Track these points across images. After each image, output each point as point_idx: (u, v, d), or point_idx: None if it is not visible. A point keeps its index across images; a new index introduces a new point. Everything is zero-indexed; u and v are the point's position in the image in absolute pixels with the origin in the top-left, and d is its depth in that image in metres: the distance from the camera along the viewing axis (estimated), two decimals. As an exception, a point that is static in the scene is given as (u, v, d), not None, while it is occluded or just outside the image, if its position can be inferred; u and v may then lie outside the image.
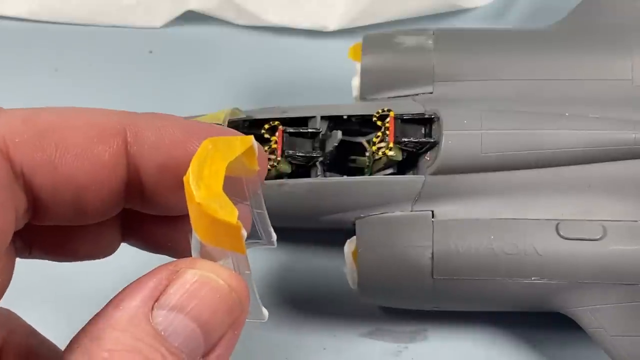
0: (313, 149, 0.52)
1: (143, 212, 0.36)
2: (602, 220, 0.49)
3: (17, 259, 0.35)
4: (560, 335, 0.54)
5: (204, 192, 0.31)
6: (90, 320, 0.31)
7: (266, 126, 0.52)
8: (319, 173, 0.52)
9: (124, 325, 0.30)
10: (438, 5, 0.64)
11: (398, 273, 0.50)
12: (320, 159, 0.52)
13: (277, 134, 0.52)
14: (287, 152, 0.51)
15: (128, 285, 0.31)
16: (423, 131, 0.52)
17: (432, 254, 0.49)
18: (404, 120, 0.52)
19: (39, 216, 0.34)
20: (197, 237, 0.32)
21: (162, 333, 0.30)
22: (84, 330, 0.31)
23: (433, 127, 0.52)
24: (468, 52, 0.54)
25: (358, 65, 0.56)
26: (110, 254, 0.38)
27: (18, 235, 0.34)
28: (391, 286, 0.51)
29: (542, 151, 0.50)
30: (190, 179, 0.31)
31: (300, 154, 0.51)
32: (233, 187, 0.33)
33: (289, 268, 0.58)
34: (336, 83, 0.59)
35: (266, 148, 0.52)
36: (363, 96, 0.55)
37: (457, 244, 0.49)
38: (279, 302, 0.57)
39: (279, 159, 0.51)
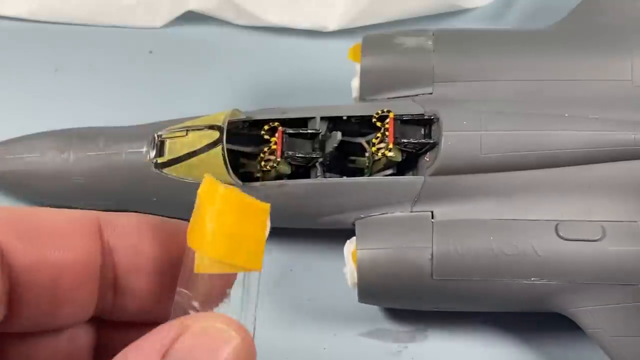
0: (313, 150, 0.52)
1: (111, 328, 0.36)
2: (602, 220, 0.49)
3: None
4: (560, 335, 0.54)
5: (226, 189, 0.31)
6: None
7: (266, 127, 0.53)
8: (318, 174, 0.52)
9: None
10: (438, 5, 0.64)
11: (398, 274, 0.50)
12: (320, 159, 0.52)
13: (276, 134, 0.52)
14: (287, 153, 0.51)
15: (133, 343, 0.30)
16: (423, 132, 0.52)
17: (432, 254, 0.49)
18: (403, 121, 0.52)
19: (15, 308, 0.32)
20: (198, 276, 0.31)
21: None
22: None
23: (433, 127, 0.52)
24: (467, 53, 0.54)
25: (358, 66, 0.56)
26: None
27: None
28: (391, 287, 0.51)
29: (542, 152, 0.50)
30: (206, 179, 0.31)
31: (300, 155, 0.51)
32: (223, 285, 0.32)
33: (289, 268, 0.58)
34: (336, 83, 0.59)
35: (266, 149, 0.52)
36: (363, 97, 0.55)
37: (457, 244, 0.49)
38: (279, 302, 0.57)
39: (278, 159, 0.51)
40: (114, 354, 0.30)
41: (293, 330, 0.56)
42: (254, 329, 0.32)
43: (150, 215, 0.35)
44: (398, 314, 0.56)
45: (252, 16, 0.65)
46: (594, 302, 0.49)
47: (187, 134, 0.51)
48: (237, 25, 0.66)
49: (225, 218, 0.30)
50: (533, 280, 0.49)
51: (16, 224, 0.31)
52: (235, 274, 0.31)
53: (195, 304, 0.31)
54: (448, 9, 0.65)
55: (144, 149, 0.53)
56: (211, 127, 0.51)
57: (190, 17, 0.66)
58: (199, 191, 0.31)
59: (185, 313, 0.32)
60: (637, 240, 0.48)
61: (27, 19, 0.66)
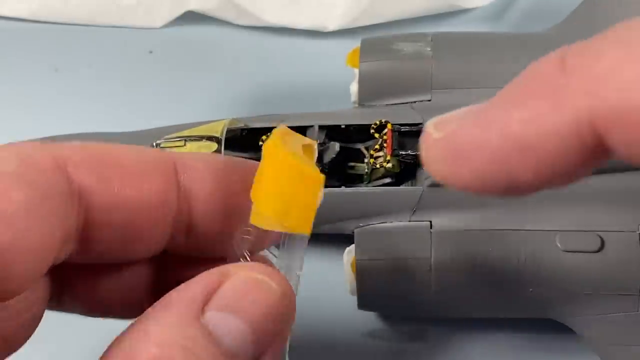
0: None
1: (177, 262, 0.36)
2: (601, 231, 0.49)
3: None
4: (560, 337, 0.54)
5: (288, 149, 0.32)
6: (136, 319, 0.31)
7: (264, 137, 0.52)
8: None
9: (173, 323, 0.29)
10: (438, 5, 0.64)
11: (397, 283, 0.50)
12: (319, 169, 0.52)
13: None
14: None
15: (175, 289, 0.31)
16: None
17: (431, 264, 0.49)
18: (401, 133, 0.51)
19: (86, 245, 0.33)
20: (254, 228, 0.32)
21: (214, 333, 0.29)
22: (130, 327, 0.30)
23: None
24: (466, 59, 0.54)
25: (356, 71, 0.55)
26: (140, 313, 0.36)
27: (52, 278, 0.34)
28: (390, 296, 0.51)
29: None
30: (273, 138, 0.32)
31: None
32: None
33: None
34: (336, 83, 0.59)
35: None
36: (362, 102, 0.55)
37: (455, 254, 0.49)
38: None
39: None
40: (170, 289, 0.32)
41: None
42: (297, 288, 0.34)
43: (224, 156, 0.38)
44: (398, 315, 0.56)
45: (252, 16, 0.65)
46: (592, 311, 0.49)
47: (185, 144, 0.51)
48: (237, 25, 0.66)
49: (281, 179, 0.32)
50: (532, 291, 0.49)
51: (95, 163, 0.32)
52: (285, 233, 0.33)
53: (247, 253, 0.33)
54: (448, 9, 0.65)
55: (143, 158, 0.53)
56: (209, 138, 0.51)
57: (190, 17, 0.66)
58: (264, 145, 0.33)
59: (237, 259, 0.34)
60: (636, 250, 0.48)
61: (27, 19, 0.66)
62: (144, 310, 0.32)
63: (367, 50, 0.56)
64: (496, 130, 0.26)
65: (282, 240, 0.34)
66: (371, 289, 0.51)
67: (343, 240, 0.53)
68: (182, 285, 0.31)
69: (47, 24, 0.66)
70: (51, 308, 0.36)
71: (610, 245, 0.48)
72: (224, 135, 0.51)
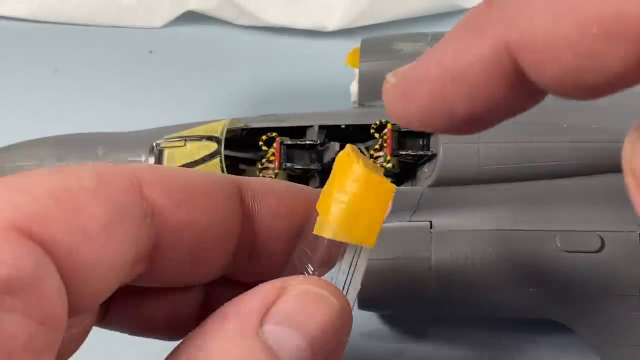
0: (311, 161, 0.52)
1: (229, 286, 0.36)
2: (601, 231, 0.49)
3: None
4: (560, 337, 0.54)
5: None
6: (195, 330, 0.30)
7: (264, 137, 0.52)
8: (317, 184, 0.52)
9: (231, 338, 0.29)
10: (438, 5, 0.64)
11: (397, 283, 0.50)
12: (319, 169, 0.52)
13: (274, 145, 0.52)
14: (285, 165, 0.51)
15: (232, 300, 0.30)
16: (421, 143, 0.52)
17: (431, 264, 0.49)
18: (401, 133, 0.51)
19: (154, 267, 0.32)
20: (318, 240, 0.32)
21: (272, 348, 0.29)
22: (189, 339, 0.30)
23: (431, 138, 0.52)
24: None
25: (356, 71, 0.55)
26: (185, 334, 0.35)
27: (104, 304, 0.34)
28: (390, 296, 0.51)
29: (540, 164, 0.49)
30: (346, 150, 0.32)
31: (298, 167, 0.51)
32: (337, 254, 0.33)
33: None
34: (336, 83, 0.59)
35: (264, 160, 0.52)
36: (362, 102, 0.55)
37: (456, 254, 0.49)
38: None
39: (277, 170, 0.51)
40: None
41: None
42: (355, 302, 0.33)
43: (285, 182, 0.36)
44: (398, 315, 0.56)
45: (252, 16, 0.65)
46: (592, 312, 0.49)
47: (185, 144, 0.51)
48: (237, 25, 0.66)
49: (351, 191, 0.31)
50: (532, 291, 0.49)
51: (167, 184, 0.32)
52: (348, 245, 0.33)
53: (309, 267, 0.32)
54: (448, 9, 0.65)
55: (143, 158, 0.53)
56: (209, 138, 0.51)
57: (190, 17, 0.66)
58: (336, 158, 0.32)
59: (297, 273, 0.33)
60: (636, 250, 0.48)
61: (27, 19, 0.66)
62: (189, 331, 0.31)
63: (367, 50, 0.56)
64: (434, 64, 0.28)
65: (342, 253, 0.33)
66: (371, 289, 0.51)
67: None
68: (238, 297, 0.30)
69: (47, 24, 0.66)
70: (95, 324, 0.35)
71: (610, 245, 0.48)
72: (224, 135, 0.51)
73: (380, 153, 0.52)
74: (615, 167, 0.49)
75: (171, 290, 0.36)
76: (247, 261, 0.35)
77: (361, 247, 0.33)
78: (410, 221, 0.51)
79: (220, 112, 0.57)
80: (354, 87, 0.56)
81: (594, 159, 0.50)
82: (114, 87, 0.65)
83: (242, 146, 0.54)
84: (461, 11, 0.65)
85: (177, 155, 0.51)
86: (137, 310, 0.36)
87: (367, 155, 0.53)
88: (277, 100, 0.63)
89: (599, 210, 0.49)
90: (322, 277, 0.32)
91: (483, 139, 0.50)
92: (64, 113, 0.63)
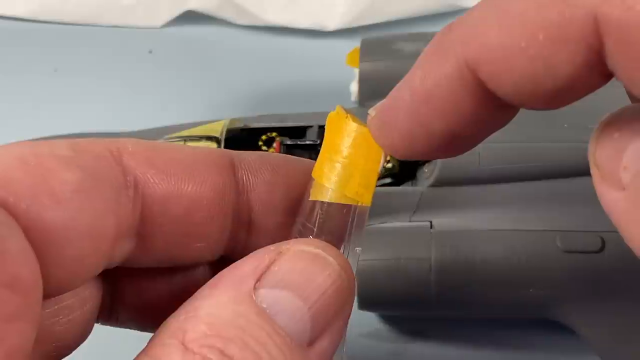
0: None
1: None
2: (601, 231, 0.49)
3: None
4: (561, 337, 0.54)
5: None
6: (186, 301, 0.29)
7: (264, 137, 0.52)
8: None
9: (224, 301, 0.28)
10: (438, 5, 0.64)
11: (397, 284, 0.50)
12: None
13: (274, 145, 0.52)
14: None
15: (230, 265, 0.29)
16: None
17: (431, 264, 0.49)
18: None
19: (144, 243, 0.32)
20: (315, 206, 0.31)
21: (267, 311, 0.27)
22: (180, 309, 0.28)
23: None
24: None
25: (356, 71, 0.55)
26: None
27: (105, 286, 0.33)
28: (390, 296, 0.51)
29: (540, 164, 0.49)
30: (337, 110, 0.32)
31: None
32: (337, 217, 0.32)
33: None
34: (336, 82, 0.59)
35: None
36: (362, 102, 0.55)
37: (456, 254, 0.49)
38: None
39: None
40: None
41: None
42: (357, 262, 0.32)
43: (277, 154, 0.35)
44: (398, 315, 0.56)
45: (252, 16, 0.65)
46: (593, 312, 0.49)
47: (185, 144, 0.51)
48: (237, 25, 0.66)
49: (344, 147, 0.31)
50: (532, 291, 0.49)
51: (151, 155, 0.31)
52: (350, 211, 0.32)
53: (310, 236, 0.31)
54: (448, 9, 0.65)
55: (143, 158, 0.53)
56: (209, 138, 0.51)
57: (190, 17, 0.66)
58: (327, 120, 0.32)
59: None
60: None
61: (27, 19, 0.66)
62: None
63: (367, 50, 0.55)
64: (406, 90, 0.28)
65: (348, 219, 0.32)
66: (372, 289, 0.51)
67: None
68: (235, 263, 0.29)
69: (47, 24, 0.66)
70: (104, 321, 0.34)
71: (610, 245, 0.48)
72: (224, 135, 0.51)
73: (380, 153, 0.52)
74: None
75: (175, 274, 0.35)
76: (246, 237, 0.34)
77: (358, 207, 0.32)
78: (410, 221, 0.51)
79: (220, 112, 0.57)
80: (354, 87, 0.56)
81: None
82: (114, 87, 0.65)
83: (242, 146, 0.54)
84: (461, 11, 0.65)
85: (177, 155, 0.51)
86: (141, 297, 0.35)
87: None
88: (277, 100, 0.63)
89: (599, 210, 0.49)
90: None
91: None
92: (64, 113, 0.63)
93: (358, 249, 0.32)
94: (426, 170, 0.51)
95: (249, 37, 0.66)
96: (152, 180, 0.31)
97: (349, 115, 0.31)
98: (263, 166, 0.34)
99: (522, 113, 0.52)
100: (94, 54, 0.66)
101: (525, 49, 0.24)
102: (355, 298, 0.51)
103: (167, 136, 0.53)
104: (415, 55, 0.54)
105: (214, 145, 0.51)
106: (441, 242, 0.49)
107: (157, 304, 0.35)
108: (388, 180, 0.52)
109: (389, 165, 0.51)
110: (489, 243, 0.49)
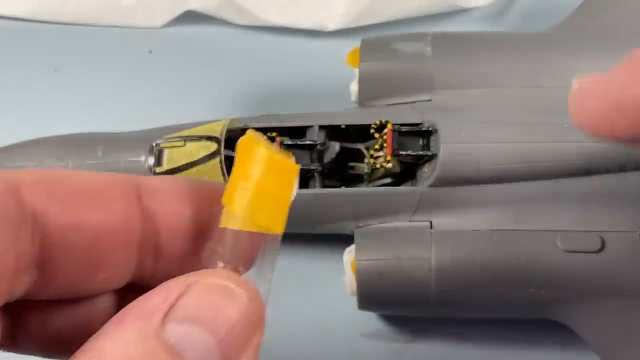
0: (311, 161, 0.52)
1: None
2: (601, 231, 0.49)
3: None
4: (561, 337, 0.54)
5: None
6: (91, 338, 0.28)
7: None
8: (317, 184, 0.52)
9: (131, 339, 0.27)
10: (438, 5, 0.64)
11: (397, 284, 0.50)
12: (319, 169, 0.52)
13: (274, 145, 0.52)
14: None
15: (138, 298, 0.29)
16: (421, 143, 0.52)
17: (431, 265, 0.49)
18: (402, 133, 0.51)
19: (46, 275, 0.31)
20: (225, 233, 0.31)
21: (176, 348, 0.27)
22: (85, 346, 0.28)
23: (431, 138, 0.52)
24: (466, 59, 0.54)
25: (356, 71, 0.55)
26: None
27: (6, 316, 0.32)
28: (390, 296, 0.51)
29: (540, 164, 0.49)
30: (247, 133, 0.31)
31: None
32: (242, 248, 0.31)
33: (289, 269, 0.58)
34: (336, 83, 0.59)
35: None
36: (362, 102, 0.55)
37: (456, 254, 0.50)
38: (279, 303, 0.57)
39: None
40: None
41: (293, 331, 0.56)
42: (269, 293, 0.31)
43: (188, 177, 0.35)
44: (398, 315, 0.56)
45: (252, 16, 0.65)
46: (593, 312, 0.49)
47: (185, 144, 0.51)
48: (237, 25, 0.66)
49: (254, 175, 0.30)
50: (532, 291, 0.49)
51: (51, 186, 0.30)
52: (261, 240, 0.31)
53: (219, 264, 0.31)
54: (448, 9, 0.65)
55: (142, 158, 0.53)
56: (209, 138, 0.51)
57: (190, 17, 0.66)
58: (237, 145, 0.31)
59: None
60: (637, 250, 0.48)
61: (27, 19, 0.66)
62: None
63: (367, 50, 0.55)
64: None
65: (257, 247, 0.31)
66: (371, 289, 0.51)
67: (343, 240, 0.53)
68: (141, 297, 0.28)
69: (47, 24, 0.66)
70: (5, 348, 0.33)
71: (610, 245, 0.48)
72: (224, 135, 0.51)
73: (380, 153, 0.52)
74: (615, 168, 0.50)
75: (80, 304, 0.33)
76: (153, 265, 0.33)
77: (269, 235, 0.31)
78: (410, 221, 0.51)
79: (220, 112, 0.57)
80: (354, 87, 0.55)
81: (593, 159, 0.50)
82: (114, 87, 0.64)
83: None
84: (461, 11, 0.65)
85: (177, 155, 0.51)
86: (46, 327, 0.33)
87: (368, 155, 0.53)
88: (277, 100, 0.63)
89: (599, 210, 0.49)
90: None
91: (483, 139, 0.50)
92: (64, 113, 0.63)
93: (270, 277, 0.32)
94: (426, 170, 0.51)
95: (249, 37, 0.66)
96: (52, 212, 0.30)
97: (260, 140, 0.31)
98: (170, 191, 0.33)
99: (522, 112, 0.52)
100: (94, 54, 0.66)
101: None
102: (356, 298, 0.51)
103: (167, 136, 0.53)
104: (415, 55, 0.54)
105: (214, 145, 0.51)
106: (441, 242, 0.50)
107: (63, 333, 0.34)
108: (388, 180, 0.52)
109: (389, 165, 0.51)
110: (488, 243, 0.49)
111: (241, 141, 0.31)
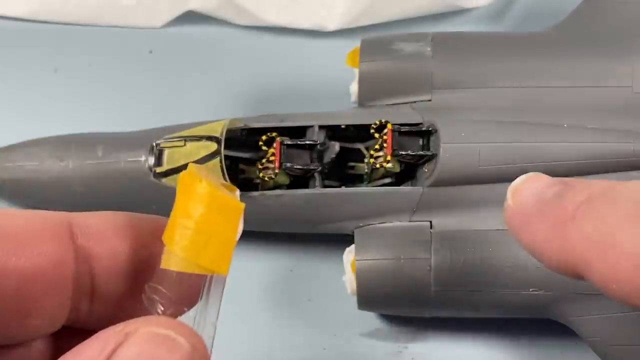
0: (311, 161, 0.52)
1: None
2: None
3: None
4: (561, 337, 0.54)
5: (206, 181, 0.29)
6: None
7: (264, 137, 0.52)
8: (317, 184, 0.52)
9: None
10: (438, 5, 0.64)
11: (397, 284, 0.50)
12: (319, 169, 0.52)
13: (274, 145, 0.52)
14: (285, 165, 0.51)
15: (67, 353, 0.27)
16: (421, 143, 0.52)
17: (431, 265, 0.50)
18: (401, 133, 0.51)
19: None
20: (166, 274, 0.30)
21: None
22: None
23: (431, 138, 0.52)
24: (466, 59, 0.54)
25: (356, 71, 0.55)
26: None
27: None
28: (390, 296, 0.51)
29: (540, 164, 0.49)
30: (189, 169, 0.30)
31: (298, 167, 0.51)
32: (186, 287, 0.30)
33: (289, 269, 0.58)
34: (336, 83, 0.59)
35: (264, 160, 0.52)
36: (362, 102, 0.55)
37: (455, 254, 0.50)
38: (278, 302, 0.57)
39: (277, 170, 0.51)
40: None
41: (293, 331, 0.56)
42: (213, 338, 0.30)
43: (127, 213, 0.33)
44: (398, 315, 0.56)
45: (252, 16, 0.65)
46: (592, 311, 0.49)
47: (185, 144, 0.51)
48: (237, 25, 0.66)
49: (196, 214, 0.29)
50: (532, 291, 0.49)
51: None
52: (204, 280, 0.30)
53: (160, 307, 0.30)
54: (448, 9, 0.64)
55: (142, 158, 0.53)
56: (209, 138, 0.51)
57: (190, 17, 0.65)
58: (178, 180, 0.30)
59: (149, 314, 0.30)
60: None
61: (26, 19, 0.66)
62: None
63: (367, 50, 0.55)
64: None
65: (200, 288, 0.30)
66: (371, 289, 0.51)
67: (343, 240, 0.53)
68: (76, 347, 0.27)
69: (47, 24, 0.66)
70: None
71: None
72: (224, 135, 0.51)
73: (380, 153, 0.52)
74: (614, 168, 0.50)
75: (12, 350, 0.32)
76: (90, 306, 0.32)
77: (213, 277, 0.30)
78: (410, 221, 0.51)
79: (220, 112, 0.57)
80: (354, 87, 0.55)
81: (594, 159, 0.50)
82: (114, 87, 0.64)
83: (242, 146, 0.54)
84: (461, 11, 0.65)
85: (177, 155, 0.51)
86: None
87: (368, 155, 0.53)
88: (277, 100, 0.63)
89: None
90: (181, 317, 0.30)
91: (483, 139, 0.50)
92: (64, 113, 0.63)
93: (215, 322, 0.30)
94: (426, 170, 0.51)
95: (249, 37, 0.66)
96: None
97: (202, 178, 0.29)
98: (106, 229, 0.32)
99: (522, 112, 0.52)
100: (94, 54, 0.66)
101: None
102: (355, 298, 0.51)
103: (167, 136, 0.53)
104: (415, 55, 0.54)
105: (214, 145, 0.51)
106: (441, 242, 0.50)
107: None
108: (388, 180, 0.52)
109: (389, 165, 0.51)
110: (489, 243, 0.49)
111: (182, 176, 0.30)
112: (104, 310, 0.32)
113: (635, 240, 0.32)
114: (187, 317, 0.30)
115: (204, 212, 0.29)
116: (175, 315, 0.30)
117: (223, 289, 0.31)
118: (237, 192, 0.32)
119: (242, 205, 0.30)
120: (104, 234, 0.31)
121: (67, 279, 0.30)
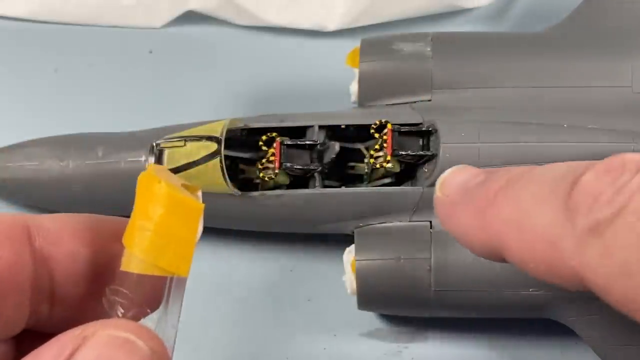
0: (311, 161, 0.52)
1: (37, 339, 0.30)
2: None
3: None
4: (561, 337, 0.54)
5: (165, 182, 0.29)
6: None
7: (264, 137, 0.52)
8: (317, 184, 0.52)
9: None
10: (438, 5, 0.64)
11: (397, 284, 0.50)
12: (319, 169, 0.52)
13: (274, 145, 0.52)
14: (285, 165, 0.51)
15: (29, 354, 0.27)
16: (421, 143, 0.52)
17: (431, 265, 0.50)
18: (401, 133, 0.51)
19: None
20: (126, 277, 0.29)
21: None
22: None
23: (431, 139, 0.52)
24: (466, 59, 0.54)
25: (356, 71, 0.55)
26: None
27: None
28: (390, 296, 0.51)
29: (540, 164, 0.49)
30: (148, 169, 0.30)
31: (298, 167, 0.51)
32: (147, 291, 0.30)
33: (289, 268, 0.58)
34: (336, 83, 0.59)
35: (264, 160, 0.52)
36: (362, 102, 0.55)
37: (455, 255, 0.49)
38: (278, 302, 0.57)
39: (277, 171, 0.51)
40: None
41: (293, 331, 0.56)
42: (174, 340, 0.30)
43: (87, 215, 0.33)
44: (398, 315, 0.56)
45: (252, 16, 0.65)
46: (592, 311, 0.49)
47: (185, 144, 0.51)
48: (237, 25, 0.66)
49: (155, 211, 0.29)
50: (531, 291, 0.49)
51: None
52: (165, 282, 0.30)
53: (120, 309, 0.29)
54: (448, 9, 0.64)
55: (143, 158, 0.53)
56: (209, 138, 0.51)
57: (190, 17, 0.65)
58: (137, 180, 0.30)
59: (109, 317, 0.29)
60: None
61: (26, 19, 0.66)
62: None
63: (367, 50, 0.55)
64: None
65: (162, 291, 0.30)
66: (371, 289, 0.51)
67: (343, 240, 0.53)
68: (33, 352, 0.27)
69: (47, 24, 0.66)
70: None
71: None
72: (224, 135, 0.51)
73: (380, 153, 0.52)
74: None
75: None
76: (50, 309, 0.32)
77: (174, 278, 0.30)
78: (410, 221, 0.51)
79: (220, 112, 0.57)
80: (354, 87, 0.55)
81: (593, 159, 0.49)
82: (114, 87, 0.64)
83: (242, 146, 0.54)
84: (461, 11, 0.65)
85: (177, 155, 0.51)
86: None
87: (368, 155, 0.53)
88: (277, 100, 0.63)
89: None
90: (143, 320, 0.29)
91: (483, 139, 0.50)
92: (64, 113, 0.63)
93: (176, 324, 0.30)
94: (426, 170, 0.51)
95: (249, 37, 0.66)
96: None
97: (161, 179, 0.29)
98: (64, 231, 0.31)
99: (522, 112, 0.52)
100: (94, 54, 0.66)
101: None
102: (355, 298, 0.51)
103: (167, 136, 0.52)
104: (415, 55, 0.54)
105: (214, 145, 0.51)
106: (441, 242, 0.50)
107: None
108: (388, 180, 0.52)
109: (389, 165, 0.51)
110: None
111: (140, 177, 0.30)
112: (65, 313, 0.32)
113: (546, 220, 0.32)
114: (150, 320, 0.30)
115: (162, 214, 0.29)
116: (137, 317, 0.29)
117: (184, 289, 0.31)
118: (199, 192, 0.31)
119: (202, 206, 0.30)
120: (63, 236, 0.31)
121: (25, 281, 0.30)
